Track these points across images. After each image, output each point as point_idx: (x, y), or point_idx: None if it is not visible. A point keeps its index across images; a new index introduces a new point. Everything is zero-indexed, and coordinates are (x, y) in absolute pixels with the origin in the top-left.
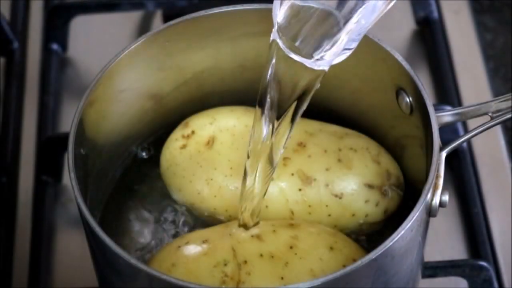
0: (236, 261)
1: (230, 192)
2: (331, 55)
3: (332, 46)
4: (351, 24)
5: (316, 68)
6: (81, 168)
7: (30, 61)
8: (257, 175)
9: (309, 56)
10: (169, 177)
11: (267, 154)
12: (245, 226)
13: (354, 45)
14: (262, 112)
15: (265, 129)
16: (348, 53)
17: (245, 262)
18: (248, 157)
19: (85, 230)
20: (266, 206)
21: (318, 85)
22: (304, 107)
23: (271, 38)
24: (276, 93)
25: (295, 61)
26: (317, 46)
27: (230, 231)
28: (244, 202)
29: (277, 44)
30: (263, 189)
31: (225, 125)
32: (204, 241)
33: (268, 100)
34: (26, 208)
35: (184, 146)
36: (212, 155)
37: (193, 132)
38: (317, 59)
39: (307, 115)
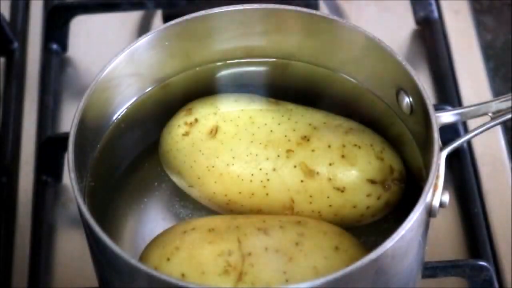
0: (241, 252)
1: (231, 179)
2: None
3: None
4: None
5: None
6: (81, 168)
7: (30, 61)
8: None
9: None
10: (169, 159)
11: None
12: None
13: None
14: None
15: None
16: None
17: (250, 254)
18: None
19: (85, 230)
20: (267, 194)
21: None
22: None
23: None
24: None
25: None
26: None
27: (237, 223)
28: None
29: None
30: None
31: (229, 116)
32: (210, 230)
33: None
34: (26, 208)
35: (186, 134)
36: (215, 144)
37: (196, 120)
38: None
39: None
